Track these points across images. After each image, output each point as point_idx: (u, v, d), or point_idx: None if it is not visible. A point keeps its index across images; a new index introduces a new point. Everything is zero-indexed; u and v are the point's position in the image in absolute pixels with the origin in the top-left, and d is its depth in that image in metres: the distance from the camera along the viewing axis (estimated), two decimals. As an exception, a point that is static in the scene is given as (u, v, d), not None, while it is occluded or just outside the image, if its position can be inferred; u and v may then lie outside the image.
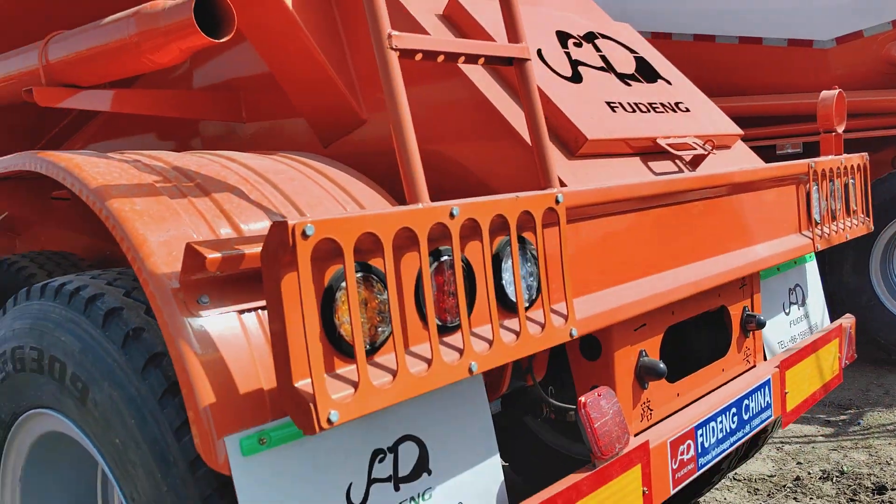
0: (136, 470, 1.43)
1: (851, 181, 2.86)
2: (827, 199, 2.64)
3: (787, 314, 2.81)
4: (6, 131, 2.88)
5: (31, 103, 2.08)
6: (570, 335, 1.52)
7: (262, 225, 1.47)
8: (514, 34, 1.57)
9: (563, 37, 2.18)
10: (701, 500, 3.40)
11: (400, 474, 1.48)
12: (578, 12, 2.49)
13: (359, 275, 1.19)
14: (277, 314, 1.10)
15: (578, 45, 2.21)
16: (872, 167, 4.94)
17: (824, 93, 2.82)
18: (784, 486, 3.49)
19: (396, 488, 1.47)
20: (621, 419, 1.69)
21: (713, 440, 2.01)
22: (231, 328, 1.30)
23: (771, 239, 2.35)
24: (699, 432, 1.96)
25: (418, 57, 1.41)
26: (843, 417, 4.31)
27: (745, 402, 2.16)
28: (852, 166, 2.86)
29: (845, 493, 3.38)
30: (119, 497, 1.60)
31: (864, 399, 4.60)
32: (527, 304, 1.47)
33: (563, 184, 1.69)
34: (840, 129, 2.84)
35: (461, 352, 1.30)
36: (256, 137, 2.46)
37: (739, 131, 2.46)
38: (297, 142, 2.25)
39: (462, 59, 1.49)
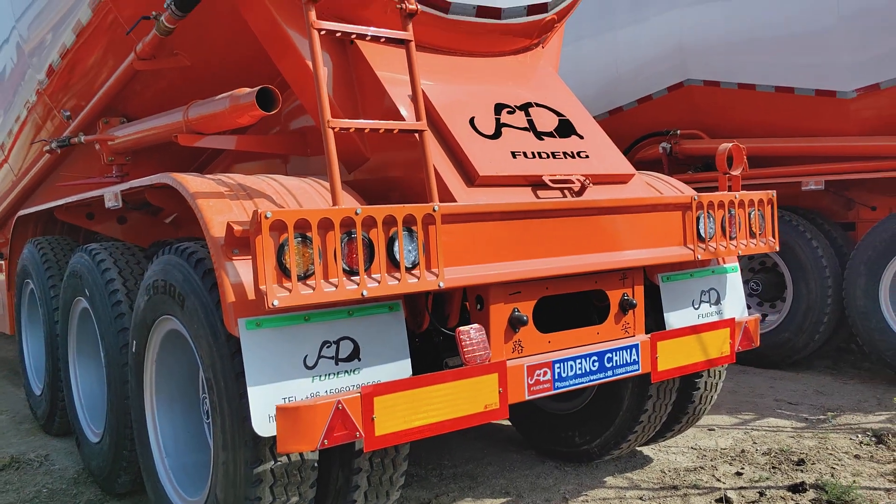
0: (202, 342, 2.73)
1: (759, 212, 3.74)
2: (720, 224, 3.56)
3: (696, 309, 3.73)
4: (172, 160, 4.41)
5: (177, 143, 3.52)
6: (438, 286, 2.66)
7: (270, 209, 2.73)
8: (419, 113, 2.76)
9: (499, 107, 3.31)
10: (655, 460, 4.30)
11: (340, 357, 2.68)
12: (539, 88, 3.61)
13: (298, 238, 2.41)
14: (254, 254, 2.35)
15: (511, 112, 3.33)
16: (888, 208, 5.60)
17: (722, 144, 3.71)
18: (729, 455, 4.32)
19: (336, 363, 2.67)
20: (485, 345, 2.80)
21: (571, 374, 3.05)
22: (246, 266, 2.56)
23: (652, 248, 3.33)
24: (557, 365, 3.01)
25: (351, 129, 2.64)
26: (821, 417, 4.99)
27: (608, 354, 3.17)
28: (760, 200, 3.74)
29: (772, 464, 4.17)
30: (198, 360, 2.92)
31: (855, 406, 5.22)
32: (409, 266, 2.63)
33: (453, 200, 2.85)
34: (735, 173, 3.72)
35: (358, 283, 2.49)
36: (313, 165, 3.77)
37: (632, 171, 3.45)
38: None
39: (381, 130, 2.71)
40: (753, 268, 6.69)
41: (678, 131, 6.87)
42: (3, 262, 6.14)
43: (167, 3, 3.32)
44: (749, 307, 6.63)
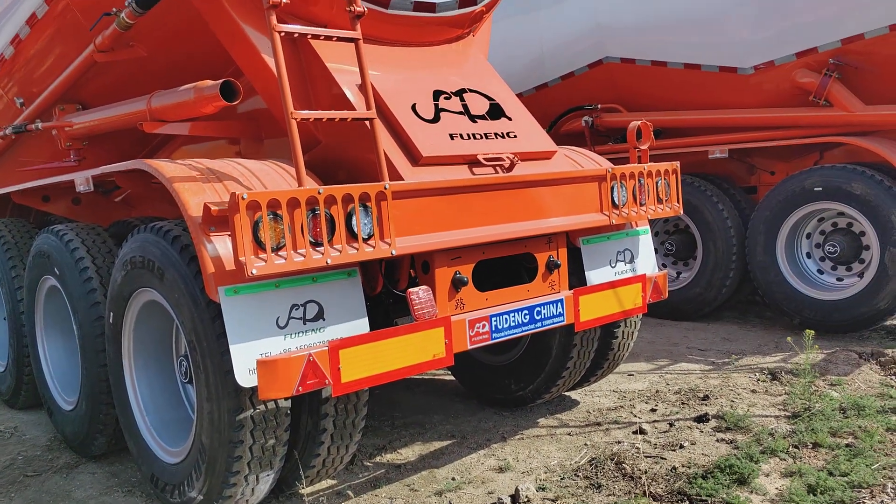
0: (183, 309, 3.08)
1: (665, 181, 4.27)
2: (632, 192, 4.07)
3: (613, 267, 4.26)
4: (127, 143, 4.67)
5: (141, 129, 3.81)
6: (391, 253, 3.08)
7: (244, 192, 3.10)
8: (368, 103, 3.16)
9: (437, 93, 3.73)
10: (581, 402, 4.86)
11: (307, 317, 3.08)
12: (471, 74, 4.03)
13: (270, 215, 2.79)
14: (233, 230, 2.72)
15: (448, 98, 3.75)
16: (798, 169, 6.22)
17: (632, 122, 4.22)
18: (645, 396, 4.90)
19: (304, 323, 3.07)
20: (432, 303, 3.24)
21: (505, 325, 3.53)
22: (223, 241, 2.92)
23: (572, 214, 3.82)
24: (493, 319, 3.48)
25: (311, 119, 3.02)
26: (726, 360, 5.64)
27: (537, 308, 3.66)
28: (666, 170, 4.27)
29: (682, 400, 4.78)
30: (178, 327, 3.27)
31: (755, 350, 5.90)
32: (366, 237, 3.03)
33: (401, 179, 3.26)
34: (644, 147, 4.23)
35: (322, 253, 2.89)
36: (269, 148, 4.12)
37: (555, 148, 3.93)
38: (288, 152, 3.87)
39: (337, 119, 3.10)
40: (668, 230, 7.32)
41: (599, 105, 7.40)
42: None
43: (128, 0, 3.59)
44: (665, 266, 7.28)
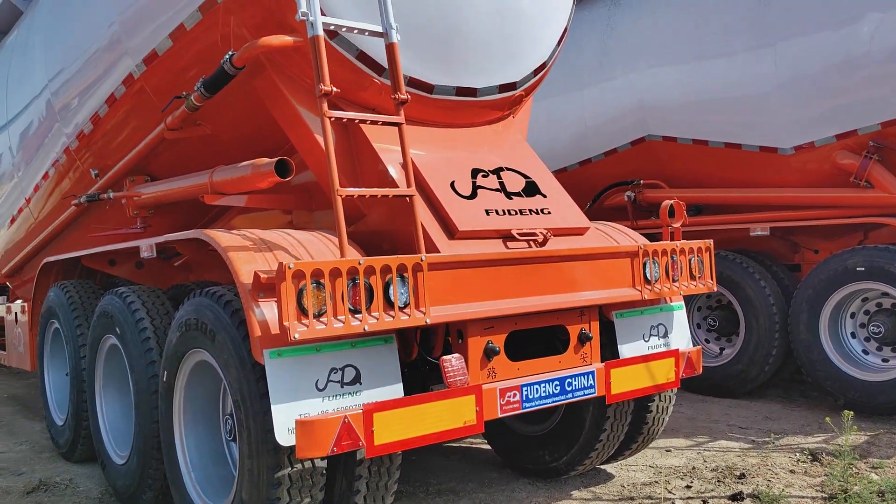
0: (231, 370, 3.30)
1: (698, 258, 4.38)
2: (664, 268, 4.19)
3: (646, 341, 4.35)
4: (189, 211, 5.01)
5: (202, 201, 4.13)
6: (426, 322, 3.26)
7: (291, 261, 3.33)
8: (408, 181, 3.39)
9: (475, 171, 3.96)
10: (616, 476, 4.88)
11: (344, 381, 3.26)
12: (509, 153, 4.27)
13: (314, 284, 3.01)
14: (279, 297, 2.94)
15: (485, 175, 3.98)
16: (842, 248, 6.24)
17: (665, 200, 4.37)
18: (681, 472, 4.90)
19: (342, 386, 3.25)
20: (464, 371, 3.40)
21: (536, 395, 3.65)
22: (270, 306, 3.15)
23: (604, 289, 3.96)
24: (524, 389, 3.61)
25: (355, 196, 3.26)
26: (766, 439, 5.59)
27: (568, 379, 3.77)
28: (699, 248, 4.38)
29: (718, 478, 4.76)
30: (226, 387, 3.48)
31: (798, 430, 5.83)
32: (402, 306, 3.22)
33: (437, 251, 3.47)
34: (676, 225, 4.37)
35: (360, 320, 3.09)
36: (319, 217, 4.39)
37: (588, 224, 4.10)
38: (335, 224, 4.13)
39: (379, 196, 3.34)
40: (711, 305, 7.34)
41: (641, 181, 7.57)
42: (23, 304, 6.65)
43: (197, 85, 3.96)
44: (707, 341, 7.28)
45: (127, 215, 5.07)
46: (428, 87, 4.04)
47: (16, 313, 6.79)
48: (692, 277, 4.35)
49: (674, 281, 4.25)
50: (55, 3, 5.90)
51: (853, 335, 6.31)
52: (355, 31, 3.57)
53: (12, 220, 6.99)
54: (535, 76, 4.53)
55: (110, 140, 5.05)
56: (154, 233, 5.02)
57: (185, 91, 4.11)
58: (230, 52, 3.77)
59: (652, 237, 4.71)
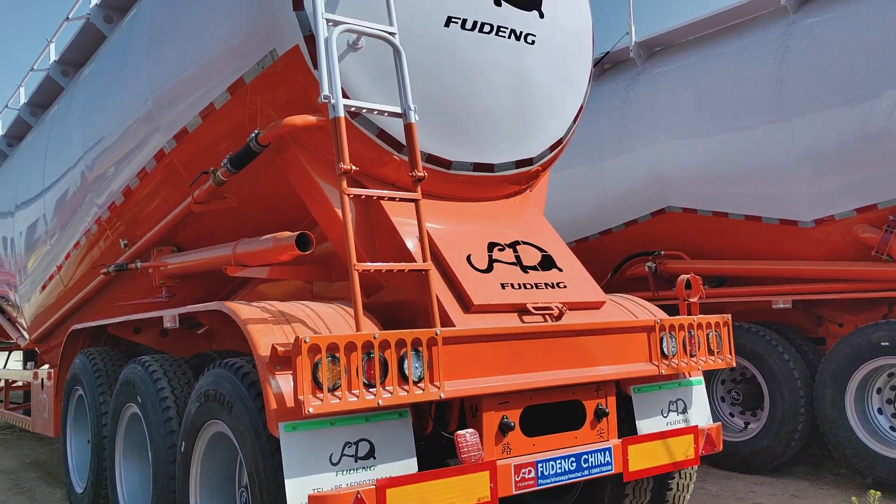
0: (246, 441, 3.33)
1: (716, 332, 4.37)
2: (682, 343, 4.18)
3: (665, 417, 4.31)
4: (213, 281, 5.12)
5: (225, 272, 4.23)
6: (440, 397, 3.28)
7: (309, 335, 3.39)
8: (424, 255, 3.46)
9: (492, 245, 4.03)
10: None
11: (358, 455, 3.27)
12: (526, 227, 4.33)
13: (329, 358, 3.06)
14: (294, 371, 2.99)
15: (502, 249, 4.04)
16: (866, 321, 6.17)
17: (681, 276, 4.39)
18: (704, 553, 4.77)
19: (356, 461, 3.26)
20: (478, 447, 3.39)
21: (552, 472, 3.62)
22: (287, 379, 3.19)
23: (621, 363, 3.95)
24: (539, 465, 3.58)
25: (372, 270, 3.33)
26: (793, 519, 5.43)
27: (585, 456, 3.74)
28: (716, 322, 4.38)
29: (742, 559, 4.62)
30: (241, 459, 3.50)
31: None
32: (416, 380, 3.25)
33: (453, 324, 3.50)
34: (693, 299, 4.37)
35: (374, 394, 3.12)
36: (340, 287, 4.46)
37: (604, 298, 4.12)
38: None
39: (395, 270, 3.40)
40: (735, 378, 7.24)
41: (662, 252, 7.59)
42: (49, 370, 6.76)
43: (224, 161, 4.10)
44: (732, 415, 7.16)
45: (153, 284, 5.19)
46: (446, 163, 4.15)
47: (42, 379, 6.90)
48: (710, 352, 4.32)
49: (691, 356, 4.23)
50: (93, 80, 6.19)
51: (880, 411, 6.17)
52: (375, 112, 3.70)
53: (43, 287, 7.18)
54: (551, 152, 4.64)
55: (140, 211, 5.22)
56: (179, 301, 5.13)
57: (212, 167, 4.26)
58: (256, 131, 3.92)
59: (674, 308, 4.71)
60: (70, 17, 7.03)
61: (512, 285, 3.86)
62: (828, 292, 6.51)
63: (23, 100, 8.38)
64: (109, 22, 6.03)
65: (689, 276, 4.38)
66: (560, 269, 4.13)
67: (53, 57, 7.40)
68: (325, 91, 3.44)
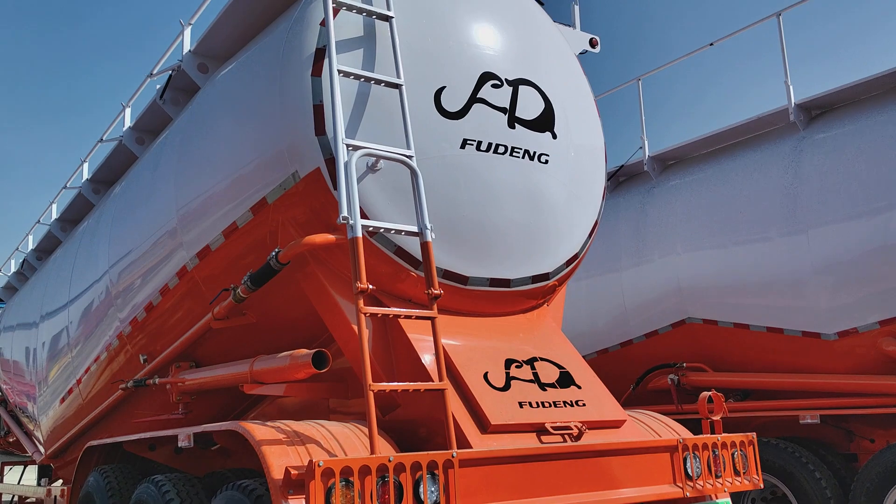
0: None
1: (742, 452, 4.24)
2: (706, 464, 4.06)
3: (694, 542, 4.13)
4: (230, 397, 5.10)
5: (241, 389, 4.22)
6: (456, 522, 3.18)
7: (323, 457, 3.34)
8: (441, 374, 3.44)
9: (509, 362, 4.00)
10: None
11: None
12: (543, 342, 4.32)
13: (343, 482, 3.00)
14: (307, 496, 2.93)
15: (519, 366, 4.02)
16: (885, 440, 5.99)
17: (703, 393, 4.31)
18: None
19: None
20: (497, 575, 3.26)
21: None
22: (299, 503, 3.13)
23: (644, 486, 3.83)
24: None
25: (387, 390, 3.32)
26: None
27: (608, 586, 3.57)
28: (741, 441, 4.26)
29: None
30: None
31: None
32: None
33: (470, 445, 3.44)
34: (716, 418, 4.27)
35: (390, 521, 3.04)
36: (357, 404, 4.42)
37: (624, 417, 4.04)
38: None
39: (411, 389, 3.38)
40: (765, 497, 6.96)
41: (684, 364, 7.47)
42: (63, 487, 6.66)
43: (244, 279, 4.18)
44: (764, 537, 6.84)
45: (170, 400, 5.18)
46: (462, 279, 4.19)
47: (55, 496, 6.79)
48: (737, 472, 4.19)
49: (717, 477, 4.10)
50: (123, 197, 6.40)
51: (921, 533, 5.88)
52: (392, 232, 3.78)
53: (62, 400, 7.18)
54: (567, 267, 4.67)
55: (160, 326, 5.27)
56: (195, 416, 5.10)
57: (232, 283, 4.33)
58: (277, 250, 4.00)
59: (699, 422, 4.59)
60: (104, 138, 7.35)
61: (530, 404, 3.81)
62: (856, 407, 6.33)
63: (54, 216, 8.66)
64: (141, 143, 6.30)
65: (710, 392, 4.30)
66: (579, 387, 4.08)
67: (86, 175, 7.69)
68: (344, 212, 3.53)
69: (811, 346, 6.48)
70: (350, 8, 4.05)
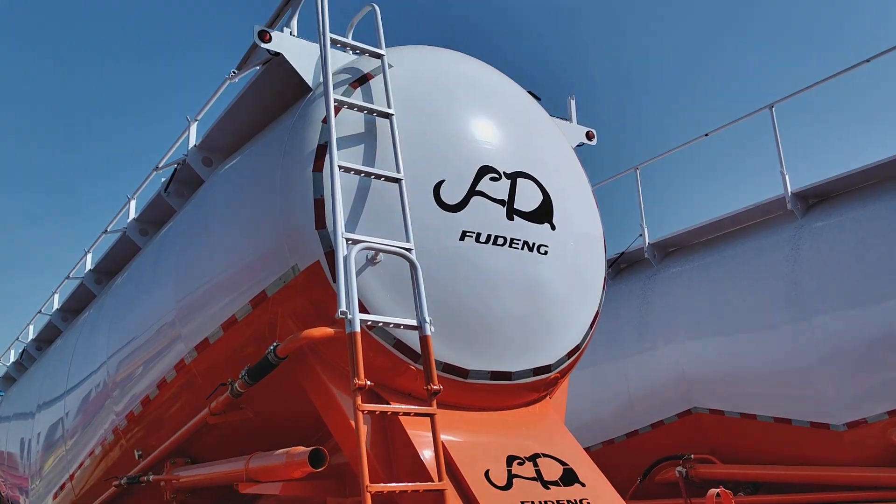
0: None
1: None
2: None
3: None
4: (224, 494, 4.97)
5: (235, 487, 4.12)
6: None
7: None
8: (440, 474, 3.35)
9: (511, 458, 3.91)
10: None
11: None
12: (546, 437, 4.23)
13: (338, 590, 2.89)
14: None
15: (521, 463, 3.92)
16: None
17: (711, 490, 4.19)
18: None
19: None
20: None
21: None
22: None
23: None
24: None
25: (385, 492, 3.22)
26: None
27: None
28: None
29: None
30: None
31: None
32: None
33: (470, 549, 3.32)
34: (726, 516, 4.15)
35: None
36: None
37: (624, 507, 3.93)
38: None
39: (410, 491, 3.29)
40: None
41: (692, 455, 7.29)
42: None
43: (242, 373, 4.13)
44: None
45: (164, 498, 5.05)
46: (463, 373, 4.14)
47: None
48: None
49: (729, 579, 3.94)
50: (124, 288, 6.42)
51: None
52: (391, 326, 3.76)
53: (55, 496, 7.00)
54: (569, 358, 4.62)
55: (156, 421, 5.19)
56: (188, 516, 4.96)
57: (229, 376, 4.28)
58: (275, 344, 3.97)
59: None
60: (108, 229, 7.43)
61: (532, 503, 3.70)
62: (871, 500, 6.14)
63: (55, 306, 8.67)
64: (144, 235, 6.36)
65: (719, 489, 4.19)
66: (583, 484, 3.97)
67: (89, 266, 7.73)
68: (343, 307, 3.52)
69: (821, 438, 6.33)
70: (352, 106, 4.15)
